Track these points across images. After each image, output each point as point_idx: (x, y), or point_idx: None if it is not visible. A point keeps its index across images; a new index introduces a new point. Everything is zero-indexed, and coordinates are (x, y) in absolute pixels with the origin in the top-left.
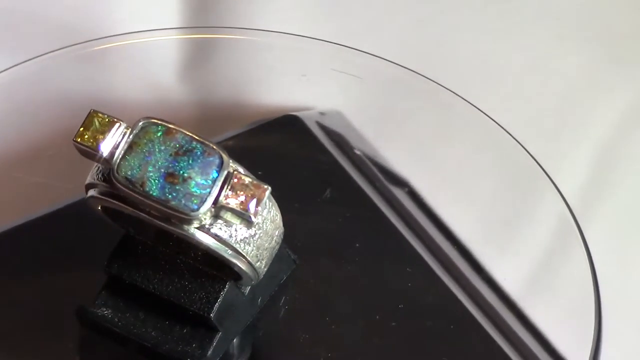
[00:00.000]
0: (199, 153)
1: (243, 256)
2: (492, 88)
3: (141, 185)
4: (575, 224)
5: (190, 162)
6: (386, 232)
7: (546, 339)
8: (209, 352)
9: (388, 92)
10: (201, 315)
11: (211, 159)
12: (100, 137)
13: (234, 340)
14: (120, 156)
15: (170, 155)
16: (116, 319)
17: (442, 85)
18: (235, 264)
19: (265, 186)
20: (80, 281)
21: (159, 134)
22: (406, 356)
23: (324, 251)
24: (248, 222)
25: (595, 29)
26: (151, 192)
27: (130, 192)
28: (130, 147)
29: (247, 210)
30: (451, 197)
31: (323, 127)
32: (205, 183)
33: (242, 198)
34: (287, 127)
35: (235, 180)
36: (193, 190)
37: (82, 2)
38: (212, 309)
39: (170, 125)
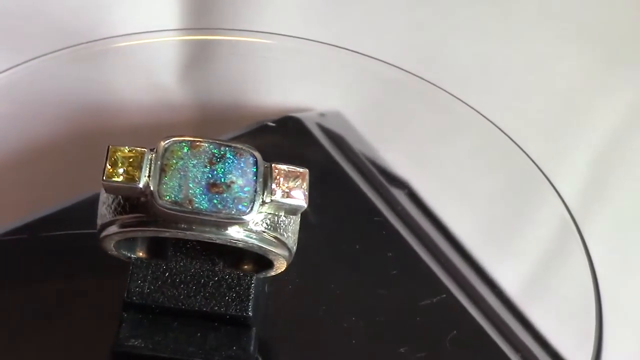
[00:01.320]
0: (231, 156)
1: (285, 244)
2: (492, 89)
3: (189, 204)
4: (574, 226)
5: (227, 167)
6: (386, 234)
7: (547, 340)
8: (252, 349)
9: (388, 94)
10: (238, 317)
11: (244, 158)
12: (135, 170)
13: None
14: (157, 182)
15: (205, 166)
16: (150, 346)
17: (441, 88)
18: (278, 255)
19: (303, 170)
20: (82, 282)
21: (185, 150)
22: (406, 357)
23: (324, 252)
24: (298, 210)
25: (595, 31)
26: (201, 207)
27: (179, 214)
28: (164, 171)
29: (296, 198)
30: (451, 199)
31: (323, 129)
32: (247, 183)
33: (287, 188)
34: (287, 128)
35: (275, 172)
36: (239, 194)
37: (82, 3)
38: (249, 307)
39: (192, 138)
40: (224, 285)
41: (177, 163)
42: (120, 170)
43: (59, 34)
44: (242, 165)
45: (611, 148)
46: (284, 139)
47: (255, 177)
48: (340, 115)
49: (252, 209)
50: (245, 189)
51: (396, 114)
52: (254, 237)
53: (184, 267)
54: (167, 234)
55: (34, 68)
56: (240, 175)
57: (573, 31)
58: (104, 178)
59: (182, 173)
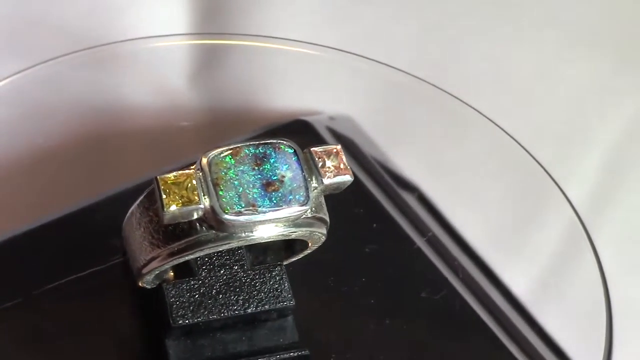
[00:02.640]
0: (272, 153)
1: (325, 221)
2: (502, 93)
3: (253, 209)
4: (583, 230)
5: (273, 164)
6: (396, 237)
7: (556, 344)
8: (297, 334)
9: (397, 98)
10: (283, 309)
11: (284, 151)
12: (192, 193)
13: None
14: (216, 197)
15: (253, 169)
16: None
17: (450, 94)
18: (321, 234)
19: (336, 145)
20: (89, 283)
21: (228, 159)
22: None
23: (334, 255)
24: (346, 184)
25: (604, 35)
26: (265, 209)
27: (247, 221)
28: (217, 185)
29: (342, 175)
30: (461, 202)
31: (333, 132)
32: (296, 174)
33: (332, 167)
34: (297, 131)
35: (316, 156)
36: (292, 186)
37: (92, 7)
38: (290, 296)
39: (230, 147)
40: (258, 283)
41: (226, 174)
42: (177, 197)
43: (69, 38)
44: (284, 158)
45: (621, 152)
46: (294, 142)
47: (300, 166)
48: (350, 118)
49: (308, 197)
50: (297, 179)
51: (406, 118)
52: (308, 222)
53: (214, 276)
54: (226, 247)
55: (44, 71)
56: (288, 169)
57: (582, 35)
58: (164, 210)
59: (235, 182)
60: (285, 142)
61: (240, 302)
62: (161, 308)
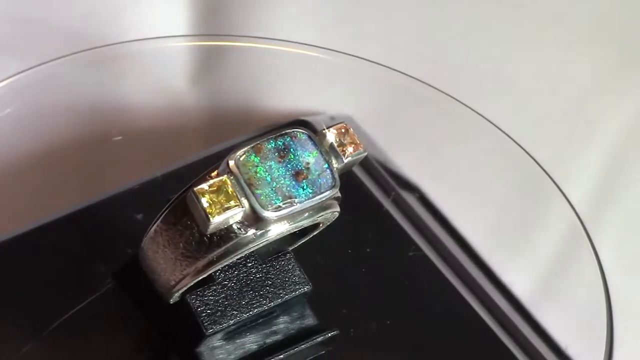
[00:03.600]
0: (291, 142)
1: (339, 198)
2: (502, 93)
3: (292, 200)
4: (584, 231)
5: (295, 153)
6: (397, 237)
7: (557, 344)
8: (314, 316)
9: (397, 98)
10: (304, 293)
11: (300, 139)
12: (231, 198)
13: None
14: (253, 197)
15: (279, 162)
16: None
17: (449, 95)
18: (338, 211)
19: (343, 123)
20: (90, 285)
21: (253, 157)
22: None
23: (334, 255)
24: (361, 158)
25: (605, 35)
26: (302, 198)
27: (288, 215)
28: (251, 184)
29: (358, 150)
30: (461, 202)
31: None
32: (318, 159)
33: (348, 145)
34: None
35: (330, 138)
36: (319, 171)
37: (93, 8)
38: (306, 280)
39: (249, 145)
40: (273, 275)
41: (257, 172)
42: (218, 205)
43: (70, 38)
44: (303, 145)
45: (621, 152)
46: None
47: (319, 151)
48: (350, 118)
49: (335, 179)
50: (319, 164)
51: (406, 118)
52: (330, 204)
53: (232, 277)
54: (264, 244)
55: (45, 72)
56: (309, 155)
57: (582, 36)
58: (210, 220)
59: (267, 178)
60: (299, 130)
61: (263, 297)
62: (187, 320)
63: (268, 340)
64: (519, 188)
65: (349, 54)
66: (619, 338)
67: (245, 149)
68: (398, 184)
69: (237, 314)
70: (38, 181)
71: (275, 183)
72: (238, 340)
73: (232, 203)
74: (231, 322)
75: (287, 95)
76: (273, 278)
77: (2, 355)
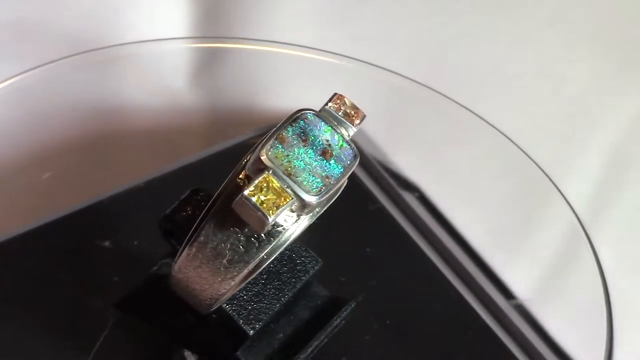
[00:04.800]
0: (305, 124)
1: None
2: (502, 94)
3: (330, 180)
4: (582, 231)
5: (313, 134)
6: (397, 237)
7: (557, 343)
8: (320, 284)
9: (397, 99)
10: (317, 270)
11: (310, 119)
12: (283, 193)
13: None
14: (298, 187)
15: (304, 146)
16: (281, 346)
17: (448, 97)
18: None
19: (336, 95)
20: (91, 287)
21: (280, 148)
22: None
23: (334, 256)
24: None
25: (604, 35)
26: (338, 175)
27: (332, 193)
28: (290, 174)
29: (360, 115)
30: (461, 202)
31: None
32: (332, 133)
33: (350, 113)
34: None
35: (332, 111)
36: (337, 145)
37: (92, 8)
38: (316, 258)
39: (272, 137)
40: (285, 261)
41: (290, 161)
42: (271, 204)
43: (70, 39)
44: (315, 124)
45: (621, 152)
46: None
47: (329, 126)
48: None
49: (354, 149)
50: (335, 138)
51: (406, 119)
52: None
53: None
54: (302, 229)
55: (46, 73)
56: (325, 132)
57: (582, 36)
58: (268, 219)
59: (301, 165)
60: (306, 111)
61: (285, 284)
62: (223, 326)
63: (298, 329)
64: (519, 188)
65: (348, 56)
66: (619, 338)
67: (270, 142)
68: (398, 184)
69: (269, 307)
70: (36, 181)
71: (309, 167)
72: (269, 337)
73: (283, 197)
74: (266, 317)
75: (286, 97)
76: (285, 263)
77: (2, 355)
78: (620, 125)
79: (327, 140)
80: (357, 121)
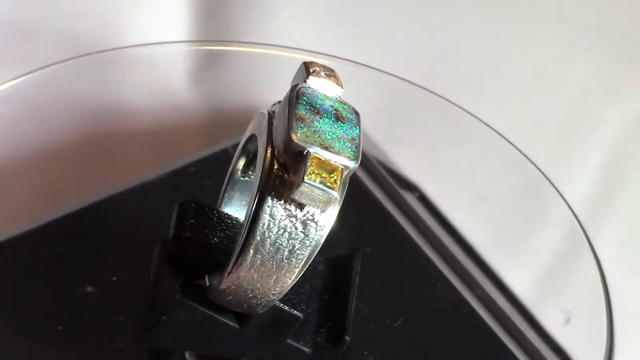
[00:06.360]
0: (306, 98)
1: None
2: (501, 94)
3: (354, 142)
4: (582, 231)
5: (318, 104)
6: (397, 237)
7: (558, 344)
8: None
9: (397, 100)
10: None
11: (304, 91)
12: (331, 167)
13: None
14: (338, 155)
15: (320, 117)
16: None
17: (447, 100)
18: None
19: (306, 63)
20: (91, 286)
21: (304, 127)
22: None
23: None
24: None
25: (604, 36)
26: (358, 133)
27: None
28: (326, 147)
29: (334, 70)
30: (461, 202)
31: None
32: (329, 98)
33: (329, 73)
34: None
35: (320, 77)
36: (339, 107)
37: (92, 9)
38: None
39: (290, 122)
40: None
41: (320, 137)
42: (332, 180)
43: (70, 40)
44: (313, 95)
45: (621, 153)
46: None
47: (323, 93)
48: None
49: (352, 107)
50: (332, 101)
51: (406, 119)
52: None
53: None
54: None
55: (47, 74)
56: (324, 100)
57: (583, 36)
58: (334, 195)
59: (329, 135)
60: (298, 86)
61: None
62: (271, 317)
63: (322, 296)
64: (518, 188)
65: (347, 59)
66: (619, 338)
67: (292, 125)
68: (398, 184)
69: (302, 290)
70: (38, 181)
71: (336, 135)
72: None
73: (335, 170)
74: (305, 297)
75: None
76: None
77: (2, 355)
78: (620, 126)
79: (332, 106)
80: (339, 79)
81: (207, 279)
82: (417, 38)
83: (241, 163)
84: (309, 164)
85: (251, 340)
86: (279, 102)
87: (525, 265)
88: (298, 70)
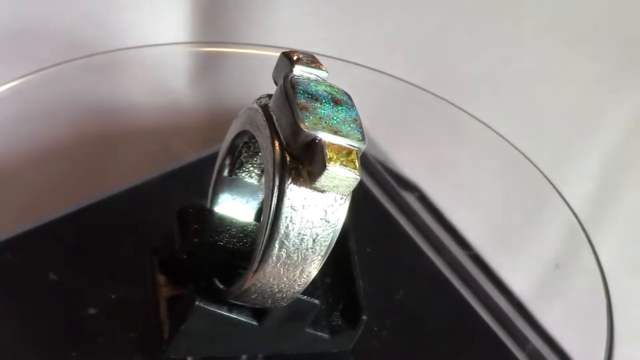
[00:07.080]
0: (301, 87)
1: None
2: (501, 94)
3: (357, 122)
4: (582, 231)
5: (313, 90)
6: (397, 236)
7: (558, 344)
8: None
9: (397, 101)
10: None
11: (297, 80)
12: (347, 149)
13: None
14: (346, 136)
15: (321, 104)
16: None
17: (447, 101)
18: None
19: (286, 54)
20: (91, 287)
21: (310, 116)
22: (417, 359)
23: (334, 256)
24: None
25: (605, 35)
26: (357, 114)
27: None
28: (335, 132)
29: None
30: (461, 202)
31: None
32: (320, 83)
33: (311, 59)
34: None
35: (306, 65)
36: (333, 90)
37: (92, 9)
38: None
39: (297, 110)
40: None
41: (327, 122)
42: (351, 164)
43: (70, 41)
44: (307, 83)
45: (621, 152)
46: None
47: (314, 79)
48: None
49: (342, 89)
50: (325, 86)
51: (406, 120)
52: None
53: None
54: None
55: (48, 75)
56: (317, 86)
57: (582, 36)
58: (357, 176)
59: (334, 120)
60: (288, 77)
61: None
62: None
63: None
64: (519, 188)
65: (347, 60)
66: (619, 338)
67: (298, 115)
68: (398, 184)
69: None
70: (38, 181)
71: (340, 118)
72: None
73: (351, 153)
74: (318, 284)
75: None
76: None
77: (2, 355)
78: (620, 126)
79: (326, 91)
80: (322, 65)
81: (216, 281)
82: (417, 39)
83: (227, 161)
84: (326, 150)
85: (271, 335)
86: (265, 96)
87: (525, 265)
88: (278, 62)
